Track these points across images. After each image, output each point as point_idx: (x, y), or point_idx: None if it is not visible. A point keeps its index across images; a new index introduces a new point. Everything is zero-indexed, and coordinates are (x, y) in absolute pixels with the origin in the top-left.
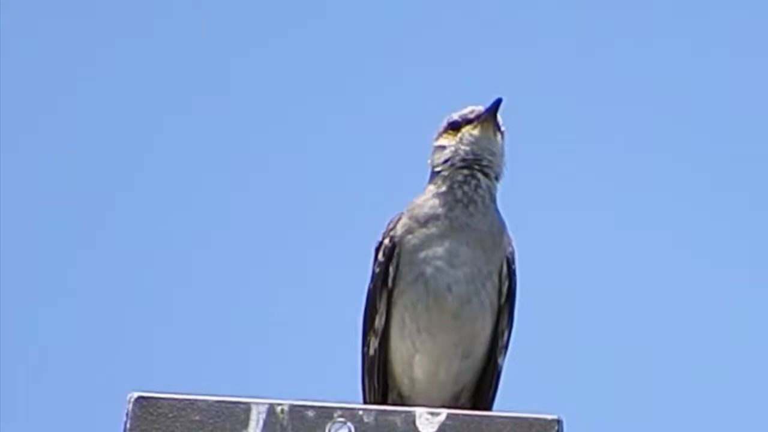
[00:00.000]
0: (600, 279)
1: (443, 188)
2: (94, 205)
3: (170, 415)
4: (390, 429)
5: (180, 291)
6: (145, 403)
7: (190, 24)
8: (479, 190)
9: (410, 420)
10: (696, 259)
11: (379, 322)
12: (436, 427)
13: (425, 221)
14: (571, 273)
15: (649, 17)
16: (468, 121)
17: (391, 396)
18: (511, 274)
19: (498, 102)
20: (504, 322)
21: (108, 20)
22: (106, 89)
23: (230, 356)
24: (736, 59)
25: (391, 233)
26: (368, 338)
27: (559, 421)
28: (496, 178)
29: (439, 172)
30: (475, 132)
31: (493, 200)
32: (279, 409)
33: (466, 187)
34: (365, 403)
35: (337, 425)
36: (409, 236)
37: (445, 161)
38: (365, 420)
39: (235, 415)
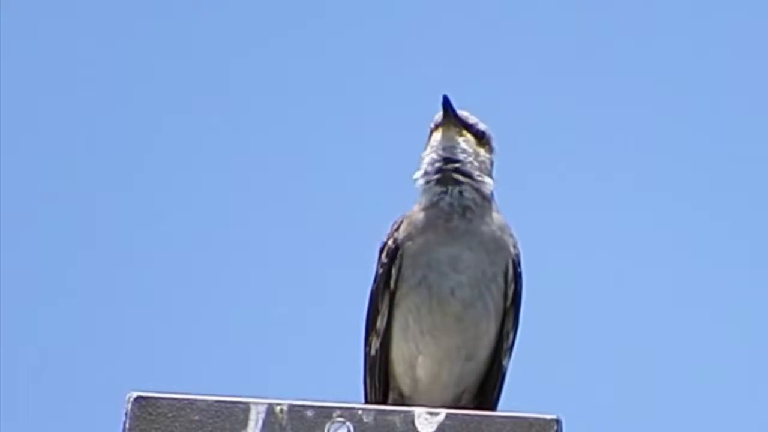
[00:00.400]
0: (599, 279)
1: (431, 202)
2: (94, 205)
3: (169, 415)
4: (389, 429)
5: (180, 291)
6: (144, 402)
7: (190, 24)
8: (465, 194)
9: (409, 420)
10: (696, 259)
11: (381, 322)
12: (435, 426)
13: (425, 229)
14: (571, 273)
15: (649, 17)
16: (436, 127)
17: (392, 396)
18: (517, 277)
19: (444, 100)
20: (509, 324)
21: (108, 20)
22: (106, 89)
23: (230, 356)
24: (736, 59)
25: (395, 235)
26: (370, 338)
27: (558, 421)
28: (471, 177)
29: (422, 186)
30: (437, 137)
31: (488, 199)
32: (278, 408)
33: (449, 198)
34: (366, 402)
35: (336, 425)
36: (412, 240)
37: (423, 175)
38: (364, 420)
39: (234, 414)
